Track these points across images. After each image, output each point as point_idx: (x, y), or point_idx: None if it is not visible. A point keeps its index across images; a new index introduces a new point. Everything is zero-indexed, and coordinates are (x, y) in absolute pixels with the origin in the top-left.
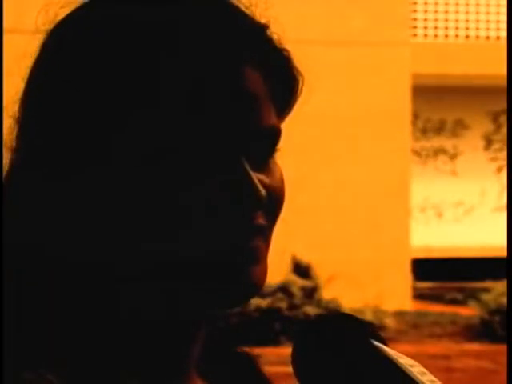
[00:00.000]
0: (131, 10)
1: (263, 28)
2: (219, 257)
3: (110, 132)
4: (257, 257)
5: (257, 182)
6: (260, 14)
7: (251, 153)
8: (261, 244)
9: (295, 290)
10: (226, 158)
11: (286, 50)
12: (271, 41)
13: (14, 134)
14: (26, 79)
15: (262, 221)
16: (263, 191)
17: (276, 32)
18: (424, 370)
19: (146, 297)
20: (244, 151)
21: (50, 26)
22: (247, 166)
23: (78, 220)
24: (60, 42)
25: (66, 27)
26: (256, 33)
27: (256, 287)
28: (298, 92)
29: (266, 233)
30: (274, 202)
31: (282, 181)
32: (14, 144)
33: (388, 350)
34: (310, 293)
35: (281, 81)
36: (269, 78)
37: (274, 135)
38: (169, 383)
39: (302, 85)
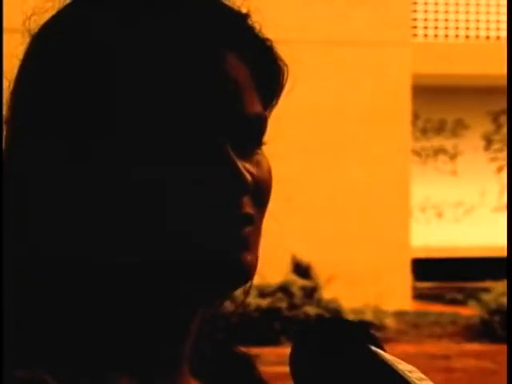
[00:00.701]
0: (114, 5)
1: (244, 16)
2: (208, 245)
3: (95, 127)
4: (246, 244)
5: (241, 167)
6: (241, 5)
7: (236, 141)
8: (250, 232)
9: (295, 290)
10: (209, 145)
11: (269, 40)
12: (252, 29)
13: (4, 135)
14: (13, 80)
15: (249, 209)
16: (248, 176)
17: (257, 21)
18: (422, 375)
19: (138, 291)
20: (228, 138)
21: (36, 27)
22: (231, 152)
23: (70, 217)
24: (46, 42)
25: (52, 28)
26: (236, 20)
27: (246, 274)
28: (283, 82)
29: (255, 222)
30: (261, 192)
31: (269, 173)
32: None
33: (386, 356)
34: (310, 293)
35: (264, 70)
36: (252, 66)
37: (259, 124)
38: (160, 380)
39: (287, 75)
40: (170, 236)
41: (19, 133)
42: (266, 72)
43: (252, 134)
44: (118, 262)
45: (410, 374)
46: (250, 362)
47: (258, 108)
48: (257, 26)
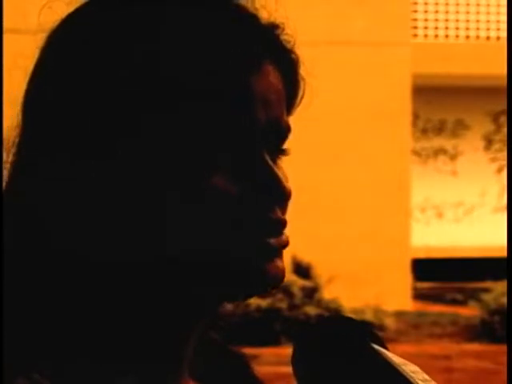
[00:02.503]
0: (136, 9)
1: (277, 27)
2: (245, 253)
3: (119, 132)
4: (280, 251)
5: (281, 176)
6: (270, 16)
7: (269, 149)
8: (284, 242)
9: (295, 290)
10: (249, 154)
11: (295, 53)
12: (287, 42)
13: (16, 136)
14: (27, 80)
15: (281, 215)
16: (288, 185)
17: (288, 33)
18: (426, 376)
19: (154, 293)
20: (265, 147)
21: (50, 26)
22: (269, 160)
23: (80, 218)
24: (62, 42)
25: (68, 27)
26: (271, 31)
27: (280, 280)
28: (301, 96)
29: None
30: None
31: (287, 180)
32: (15, 146)
33: (389, 355)
34: (311, 293)
35: (289, 82)
36: (283, 77)
37: (287, 133)
38: (163, 381)
39: (304, 89)
40: (205, 242)
41: (31, 133)
42: (291, 84)
43: (281, 143)
44: (135, 262)
45: (413, 375)
46: (247, 363)
47: (286, 118)
48: (287, 38)
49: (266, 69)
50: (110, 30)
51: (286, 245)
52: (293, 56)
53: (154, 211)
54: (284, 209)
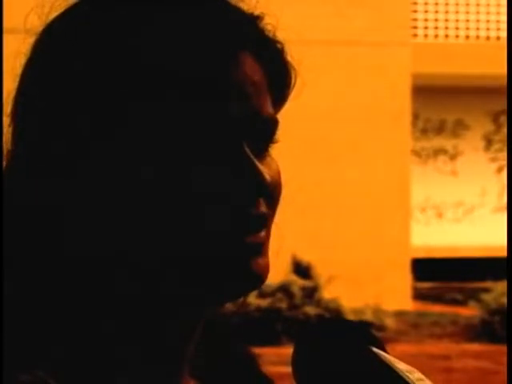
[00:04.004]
0: (124, 6)
1: (258, 18)
2: (224, 249)
3: (109, 127)
4: (260, 248)
5: (261, 167)
6: (253, 8)
7: (251, 142)
8: (265, 236)
9: (295, 290)
10: (227, 144)
11: (280, 43)
12: (266, 31)
13: (10, 134)
14: (18, 78)
15: (264, 209)
16: (268, 177)
17: (271, 24)
18: (422, 376)
19: (147, 294)
20: (245, 138)
21: (41, 26)
22: (249, 152)
23: (76, 217)
24: (53, 40)
25: (59, 26)
26: (251, 22)
27: (259, 279)
28: (292, 86)
29: (268, 223)
30: (273, 194)
31: (278, 174)
32: (9, 144)
33: (387, 356)
34: (311, 293)
35: (276, 73)
36: (265, 68)
37: (272, 125)
38: (163, 380)
39: (296, 79)
40: (184, 237)
41: (24, 129)
42: (278, 75)
43: (265, 136)
44: (130, 266)
45: (409, 375)
46: (254, 361)
47: (271, 110)
48: (270, 29)
49: (242, 60)
50: (87, 26)
51: (264, 241)
52: (277, 46)
53: (135, 210)
54: (271, 202)
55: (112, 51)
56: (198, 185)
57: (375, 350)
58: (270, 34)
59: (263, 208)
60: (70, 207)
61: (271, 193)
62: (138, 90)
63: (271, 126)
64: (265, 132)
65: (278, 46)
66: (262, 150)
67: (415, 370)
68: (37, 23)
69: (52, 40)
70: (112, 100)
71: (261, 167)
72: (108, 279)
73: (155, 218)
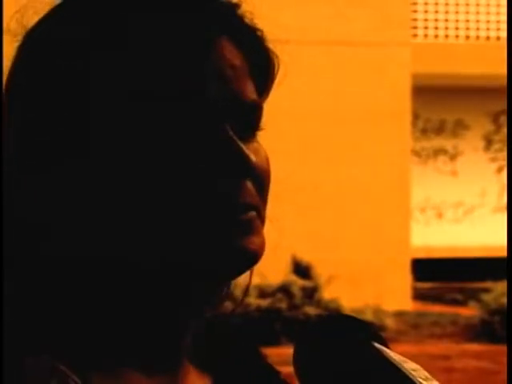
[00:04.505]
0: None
1: (235, 5)
2: (213, 229)
3: (90, 122)
4: (251, 227)
5: (244, 148)
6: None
7: (234, 126)
8: (254, 216)
9: (295, 290)
10: (210, 128)
11: (260, 30)
12: (244, 18)
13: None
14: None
15: (251, 189)
16: (252, 157)
17: (249, 11)
18: (427, 374)
19: (142, 284)
20: (227, 121)
21: (24, 29)
22: (233, 135)
23: (66, 214)
24: (36, 41)
25: (42, 28)
26: (228, 8)
27: (253, 256)
28: (275, 73)
29: (258, 208)
30: (261, 179)
31: (267, 161)
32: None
33: (390, 353)
34: (311, 293)
35: (257, 59)
36: (245, 53)
37: (256, 111)
38: (162, 371)
39: (278, 66)
40: (172, 223)
41: (9, 128)
42: (259, 61)
43: (249, 121)
44: (121, 256)
45: (414, 373)
46: (259, 354)
47: (254, 95)
48: (249, 16)
49: (221, 44)
50: (78, 28)
51: (255, 220)
52: (257, 33)
53: (123, 200)
54: (259, 187)
55: (94, 40)
56: (182, 166)
57: (378, 346)
58: (249, 22)
59: (250, 187)
60: (59, 207)
61: (259, 177)
62: (117, 77)
63: (255, 111)
64: (248, 117)
65: (258, 33)
66: (248, 136)
67: (420, 368)
68: (27, 25)
69: (35, 43)
70: (94, 91)
71: (245, 149)
72: (109, 274)
73: (141, 206)
